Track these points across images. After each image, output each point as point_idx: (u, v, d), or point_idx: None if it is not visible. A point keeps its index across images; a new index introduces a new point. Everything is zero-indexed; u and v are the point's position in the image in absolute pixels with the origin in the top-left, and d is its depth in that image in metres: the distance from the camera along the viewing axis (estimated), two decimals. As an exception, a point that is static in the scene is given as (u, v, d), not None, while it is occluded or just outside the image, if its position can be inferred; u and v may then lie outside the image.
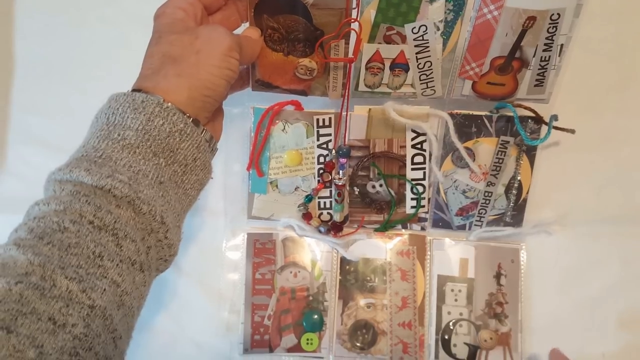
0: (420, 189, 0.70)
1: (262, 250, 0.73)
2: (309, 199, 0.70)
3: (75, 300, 0.38)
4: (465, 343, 0.71)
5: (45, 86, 0.77)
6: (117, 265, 0.42)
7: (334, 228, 0.72)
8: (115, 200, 0.43)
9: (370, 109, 0.66)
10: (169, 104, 0.46)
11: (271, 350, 0.71)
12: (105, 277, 0.41)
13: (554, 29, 0.59)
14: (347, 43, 0.59)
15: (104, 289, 0.40)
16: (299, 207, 0.71)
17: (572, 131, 0.65)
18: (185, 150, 0.48)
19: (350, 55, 0.60)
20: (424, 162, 0.69)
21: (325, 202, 0.71)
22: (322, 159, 0.69)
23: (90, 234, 0.41)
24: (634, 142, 0.73)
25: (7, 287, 0.37)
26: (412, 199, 0.71)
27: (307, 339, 0.71)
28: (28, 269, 0.38)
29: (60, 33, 0.77)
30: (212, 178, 0.53)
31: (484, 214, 0.71)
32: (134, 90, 0.48)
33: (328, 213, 0.72)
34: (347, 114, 0.65)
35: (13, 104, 0.77)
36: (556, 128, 0.65)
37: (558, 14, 0.58)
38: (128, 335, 0.45)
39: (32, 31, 0.78)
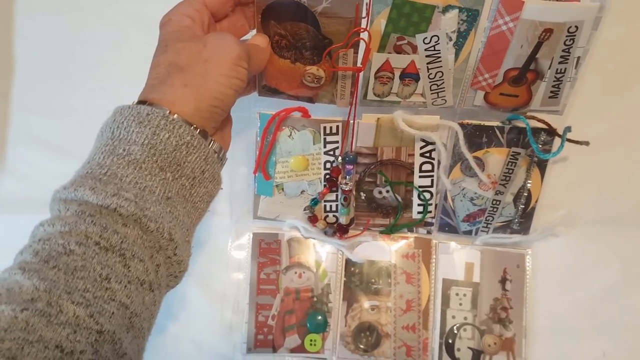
0: (428, 195, 0.69)
1: (267, 250, 0.73)
2: (314, 202, 0.70)
3: (82, 326, 0.38)
4: (469, 347, 0.71)
5: (46, 86, 0.76)
6: (125, 286, 0.41)
7: (339, 230, 0.72)
8: (121, 219, 0.42)
9: (378, 118, 0.64)
10: (175, 116, 0.45)
11: (274, 351, 0.72)
12: (113, 299, 0.40)
13: (571, 41, 0.57)
14: (355, 52, 0.58)
15: (112, 313, 0.39)
16: (305, 209, 0.71)
17: (587, 143, 0.63)
18: (193, 163, 0.46)
19: (359, 64, 0.58)
20: (432, 170, 0.68)
21: (331, 205, 0.71)
22: (328, 165, 0.68)
23: (97, 256, 0.40)
24: (634, 143, 0.72)
25: (13, 314, 0.36)
26: (419, 205, 0.70)
27: (311, 340, 0.72)
28: (34, 295, 0.37)
29: (60, 33, 0.76)
30: (221, 189, 0.52)
31: (491, 221, 0.70)
32: (139, 102, 0.47)
33: (334, 216, 0.71)
34: (354, 123, 0.64)
35: (13, 104, 0.77)
36: (569, 140, 0.63)
37: (576, 26, 0.55)
38: (138, 358, 0.44)
39: (32, 31, 0.77)
